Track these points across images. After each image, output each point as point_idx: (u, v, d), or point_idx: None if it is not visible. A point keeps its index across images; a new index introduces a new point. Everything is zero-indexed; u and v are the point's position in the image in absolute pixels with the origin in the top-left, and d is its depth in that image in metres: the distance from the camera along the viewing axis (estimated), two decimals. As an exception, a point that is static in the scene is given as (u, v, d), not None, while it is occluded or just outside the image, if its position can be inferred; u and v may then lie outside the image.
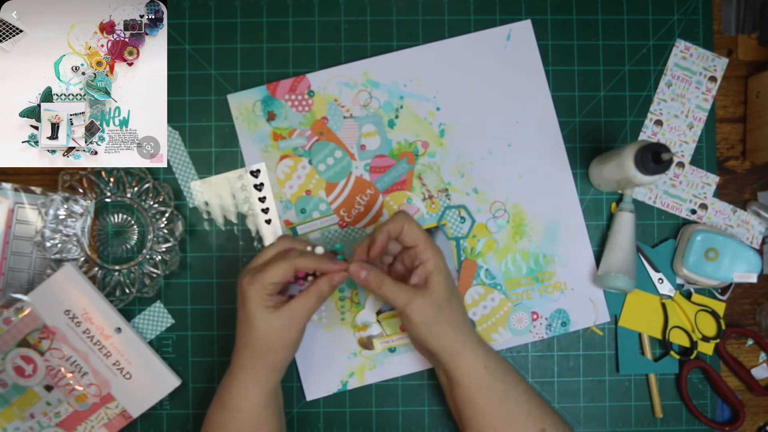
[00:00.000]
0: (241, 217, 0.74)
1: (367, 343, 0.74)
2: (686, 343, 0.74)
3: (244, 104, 0.75)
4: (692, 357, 0.74)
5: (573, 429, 0.71)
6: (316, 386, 0.74)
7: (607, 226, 0.75)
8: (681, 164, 0.75)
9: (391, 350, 0.74)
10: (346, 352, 0.74)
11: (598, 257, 0.75)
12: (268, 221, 0.74)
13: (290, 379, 0.74)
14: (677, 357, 0.74)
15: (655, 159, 0.64)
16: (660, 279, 0.74)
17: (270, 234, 0.74)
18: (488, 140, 0.75)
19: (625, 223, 0.72)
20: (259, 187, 0.74)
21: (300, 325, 0.64)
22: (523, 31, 0.75)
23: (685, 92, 0.75)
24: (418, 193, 0.75)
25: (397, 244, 0.68)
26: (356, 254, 0.66)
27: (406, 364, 0.74)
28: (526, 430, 0.65)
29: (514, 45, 0.75)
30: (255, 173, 0.74)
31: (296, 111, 0.75)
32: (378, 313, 0.74)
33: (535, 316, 0.75)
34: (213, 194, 0.74)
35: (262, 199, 0.74)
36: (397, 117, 0.75)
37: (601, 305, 0.75)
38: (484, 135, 0.75)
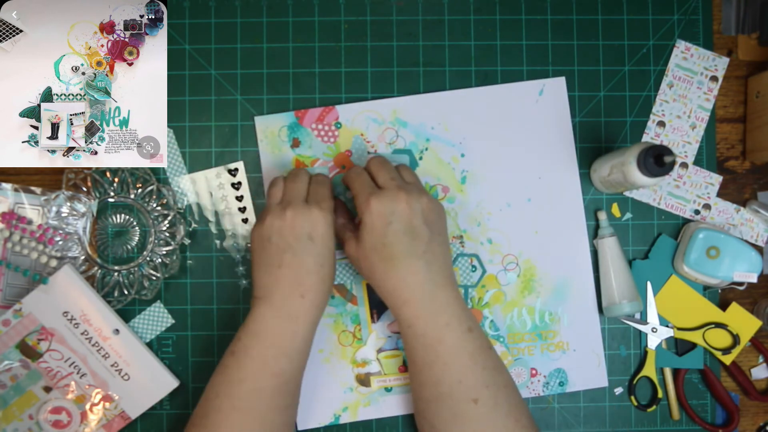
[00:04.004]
0: (217, 215, 0.74)
1: (364, 380, 0.74)
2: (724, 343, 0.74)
3: (270, 128, 0.74)
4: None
5: (523, 402, 0.65)
6: (309, 417, 0.73)
7: (594, 255, 0.75)
8: (684, 165, 0.75)
9: (388, 389, 0.74)
10: (342, 386, 0.73)
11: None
12: (245, 220, 0.74)
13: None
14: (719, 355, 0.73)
15: (657, 161, 0.64)
16: (653, 329, 0.74)
17: (246, 233, 0.74)
18: (509, 192, 0.74)
19: (610, 249, 0.73)
20: (236, 185, 0.74)
21: None
22: (556, 87, 0.75)
23: (687, 93, 0.75)
24: None
25: None
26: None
27: (401, 404, 0.74)
28: (464, 389, 0.63)
29: (546, 100, 0.75)
30: (233, 171, 0.74)
31: (321, 141, 0.74)
32: (379, 351, 0.74)
33: (533, 372, 0.74)
34: (191, 191, 0.74)
35: (239, 198, 0.74)
36: (421, 158, 0.74)
37: (601, 370, 0.74)
38: (506, 187, 0.74)
